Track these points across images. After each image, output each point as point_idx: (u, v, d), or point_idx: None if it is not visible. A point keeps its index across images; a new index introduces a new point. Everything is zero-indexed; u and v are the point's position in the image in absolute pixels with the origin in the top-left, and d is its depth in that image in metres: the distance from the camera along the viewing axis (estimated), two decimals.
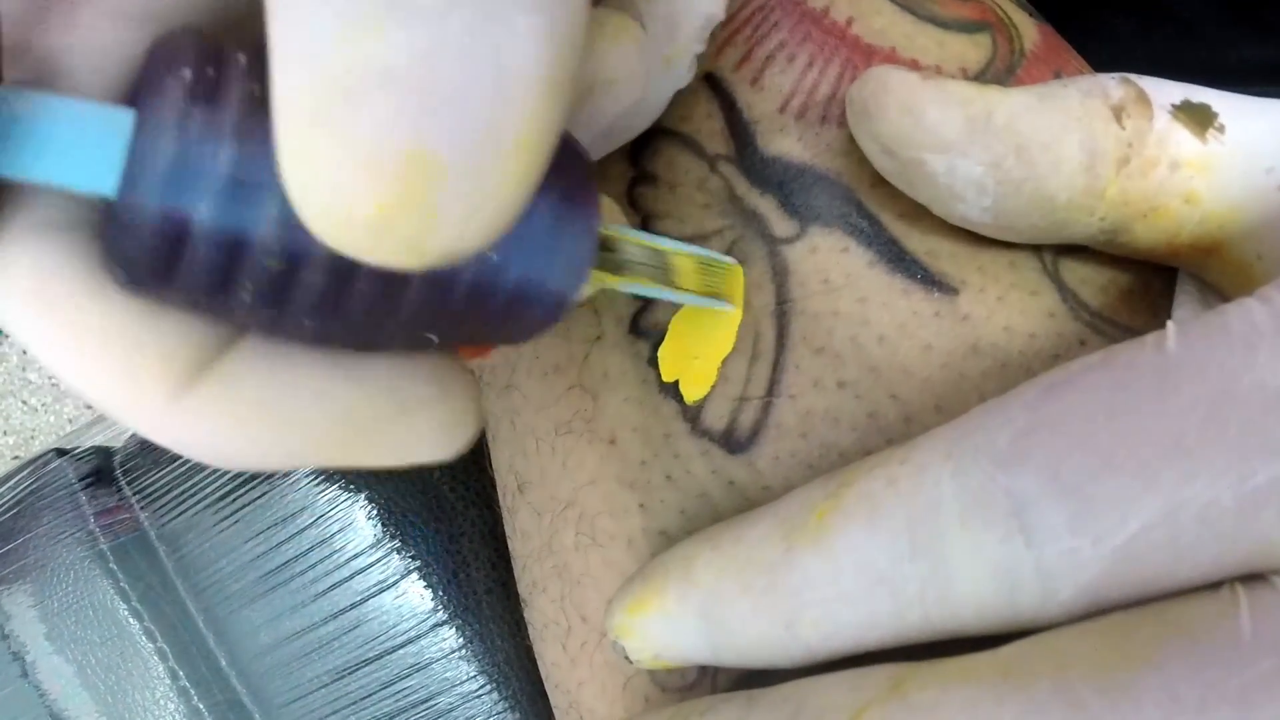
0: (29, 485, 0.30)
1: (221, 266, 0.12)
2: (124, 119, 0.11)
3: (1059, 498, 0.13)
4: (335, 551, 0.27)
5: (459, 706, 0.27)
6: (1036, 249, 0.18)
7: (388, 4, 0.09)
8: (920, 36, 0.20)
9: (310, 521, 0.27)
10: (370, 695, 0.28)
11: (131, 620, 0.28)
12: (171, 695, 0.28)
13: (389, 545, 0.27)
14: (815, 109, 0.19)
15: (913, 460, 0.14)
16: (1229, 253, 0.17)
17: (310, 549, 0.27)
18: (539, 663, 0.22)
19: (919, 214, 0.18)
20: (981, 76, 0.19)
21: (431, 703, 0.27)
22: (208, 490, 0.28)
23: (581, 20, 0.10)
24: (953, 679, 0.13)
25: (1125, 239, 0.17)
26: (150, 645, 0.28)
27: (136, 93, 0.12)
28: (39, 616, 0.29)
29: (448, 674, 0.27)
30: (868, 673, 0.14)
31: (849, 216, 0.19)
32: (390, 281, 0.12)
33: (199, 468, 0.29)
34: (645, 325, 0.20)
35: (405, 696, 0.27)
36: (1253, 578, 0.13)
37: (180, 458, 0.29)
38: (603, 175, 0.21)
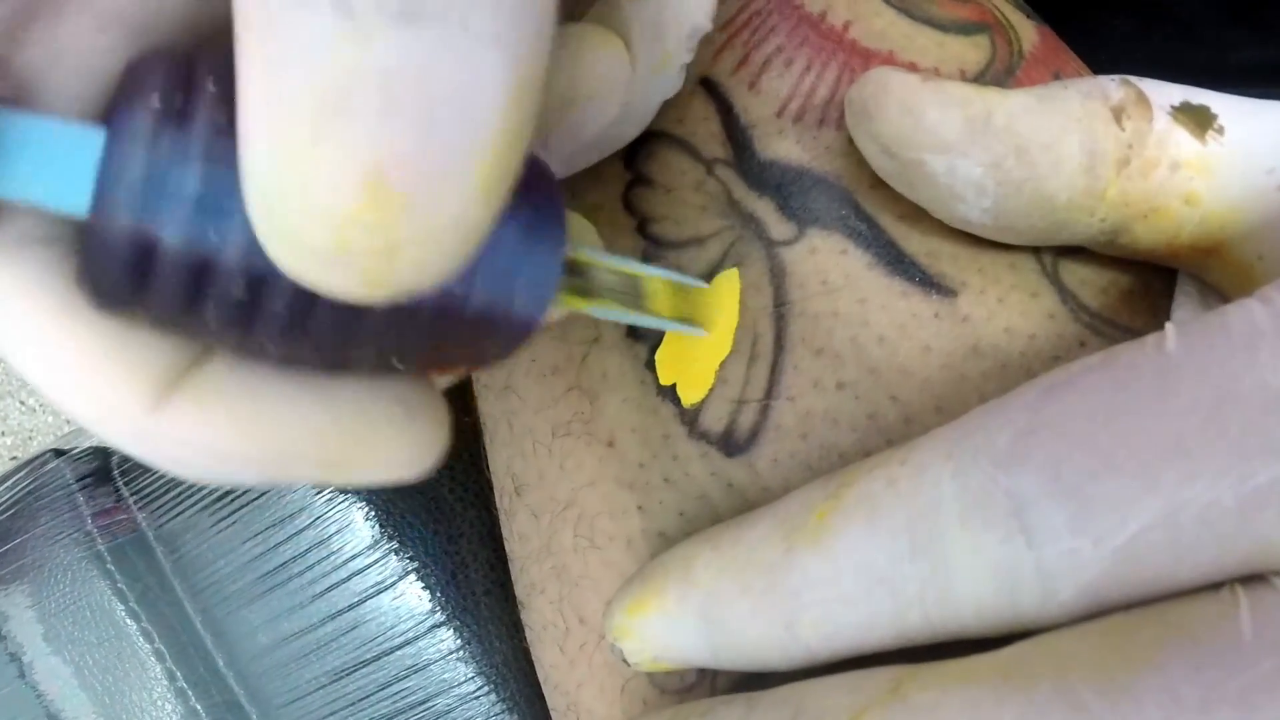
0: (27, 486, 0.30)
1: (188, 287, 0.12)
2: (95, 138, 0.11)
3: (1059, 498, 0.13)
4: (333, 553, 0.27)
5: (457, 708, 0.27)
6: (1036, 251, 0.18)
7: (349, 34, 0.09)
8: (918, 39, 0.19)
9: (308, 523, 0.27)
10: (368, 696, 0.28)
11: (129, 621, 0.28)
12: (169, 696, 0.28)
13: (387, 546, 0.27)
14: (813, 112, 0.19)
15: (913, 461, 0.14)
16: (1229, 253, 0.17)
17: (308, 550, 0.27)
18: (537, 665, 0.22)
19: (918, 216, 0.18)
20: (980, 78, 0.19)
21: (429, 704, 0.27)
22: (206, 491, 0.28)
23: (546, 49, 0.10)
24: (953, 680, 0.13)
25: (1125, 240, 0.17)
26: (148, 646, 0.28)
27: (109, 112, 0.12)
28: (36, 617, 0.29)
29: (446, 675, 0.27)
30: (868, 674, 0.14)
31: (847, 218, 0.19)
32: (353, 308, 0.12)
33: None
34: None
35: (403, 698, 0.27)
36: (1253, 578, 0.13)
37: None
38: (598, 178, 0.21)
